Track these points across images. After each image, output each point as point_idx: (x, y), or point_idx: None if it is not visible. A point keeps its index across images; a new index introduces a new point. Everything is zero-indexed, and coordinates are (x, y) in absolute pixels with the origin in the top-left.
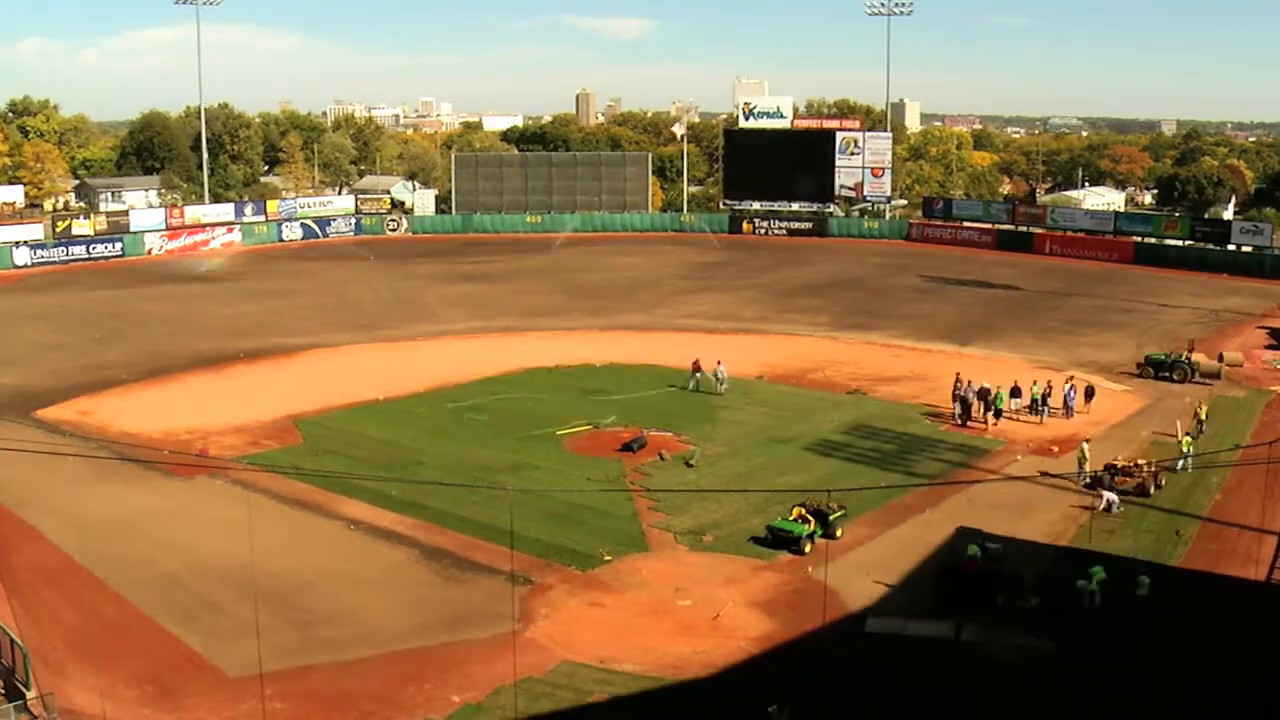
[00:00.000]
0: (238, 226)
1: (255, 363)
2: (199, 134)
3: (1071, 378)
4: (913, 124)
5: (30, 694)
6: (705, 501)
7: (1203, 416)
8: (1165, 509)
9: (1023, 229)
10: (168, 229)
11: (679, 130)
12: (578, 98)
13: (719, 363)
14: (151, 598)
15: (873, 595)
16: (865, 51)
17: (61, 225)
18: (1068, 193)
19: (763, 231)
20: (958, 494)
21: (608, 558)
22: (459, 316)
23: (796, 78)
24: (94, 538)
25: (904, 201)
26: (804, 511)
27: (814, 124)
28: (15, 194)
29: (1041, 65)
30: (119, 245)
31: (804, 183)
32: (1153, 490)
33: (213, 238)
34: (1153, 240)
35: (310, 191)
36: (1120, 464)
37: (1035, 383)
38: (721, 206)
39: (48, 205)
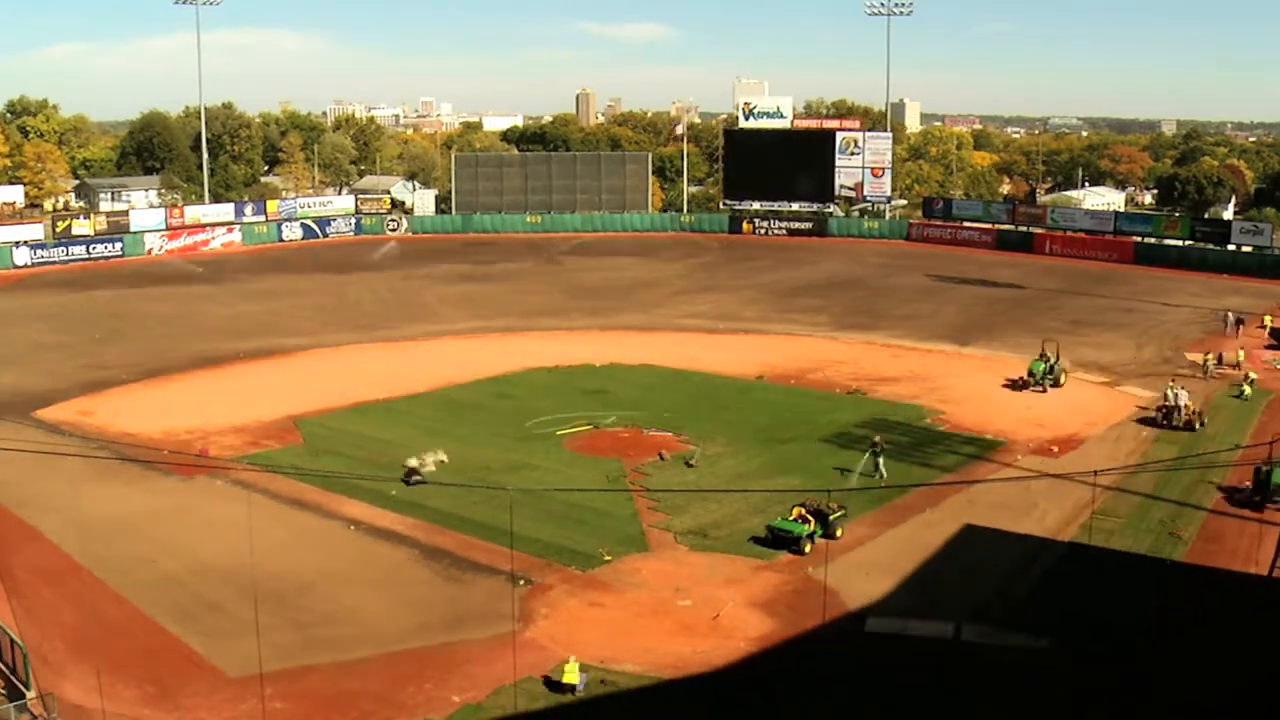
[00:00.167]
0: (238, 226)
1: (255, 363)
2: (199, 134)
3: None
4: (913, 124)
5: (30, 694)
6: (705, 501)
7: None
8: (1171, 496)
9: (1023, 229)
10: (168, 229)
11: (680, 130)
12: (578, 98)
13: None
14: (151, 598)
15: (873, 595)
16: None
17: (61, 225)
18: (1068, 193)
19: (763, 231)
20: (958, 494)
21: (608, 558)
22: (459, 316)
23: (796, 78)
24: (94, 538)
25: (904, 201)
26: (804, 511)
27: (814, 124)
28: (15, 194)
29: (1041, 65)
30: (119, 245)
31: (804, 183)
32: (1198, 426)
33: (213, 238)
34: (1153, 240)
35: (310, 191)
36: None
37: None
38: (721, 206)
39: (48, 205)
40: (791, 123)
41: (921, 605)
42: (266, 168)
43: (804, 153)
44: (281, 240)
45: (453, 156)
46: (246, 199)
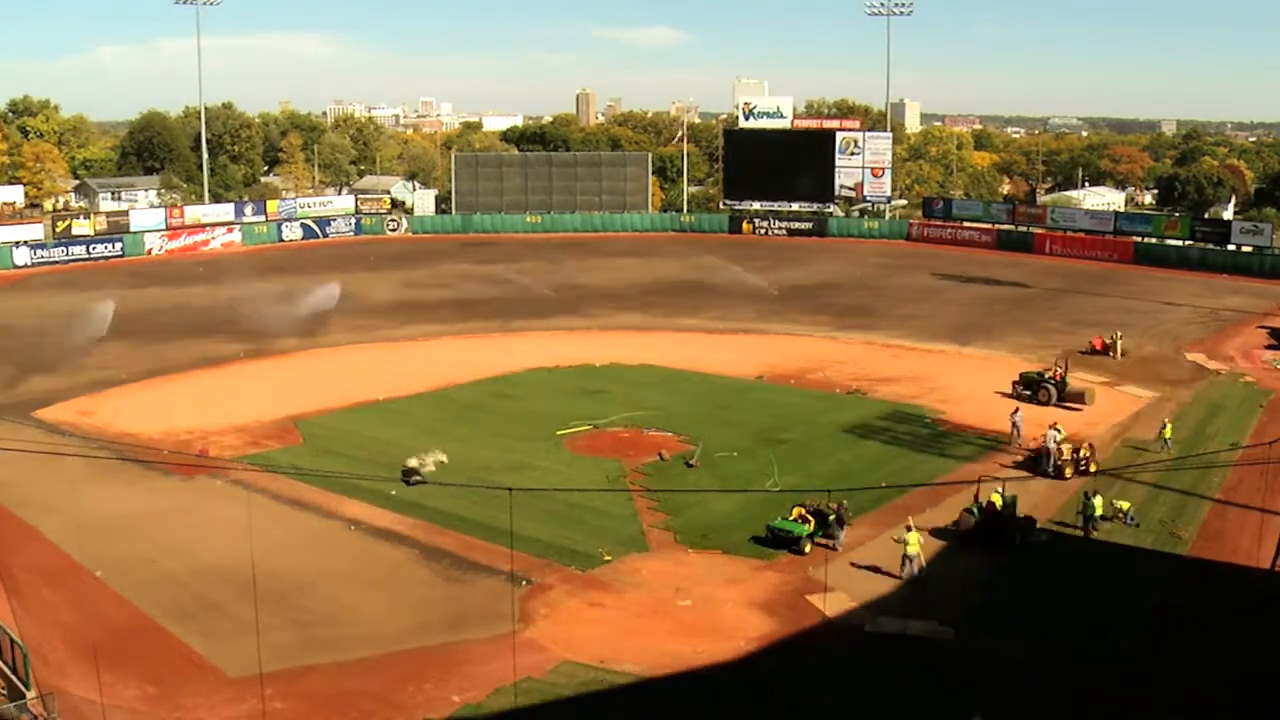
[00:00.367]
0: (238, 226)
1: (255, 362)
2: (199, 134)
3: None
4: (913, 124)
5: (30, 694)
6: (705, 501)
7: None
8: (1172, 496)
9: (1023, 229)
10: (168, 229)
11: (680, 134)
12: (578, 98)
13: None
14: (151, 598)
15: (873, 595)
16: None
17: (61, 225)
18: (1068, 193)
19: (763, 231)
20: (957, 494)
21: (608, 558)
22: (458, 317)
23: (796, 78)
24: (94, 538)
25: (904, 201)
26: (804, 511)
27: (814, 124)
28: (15, 194)
29: (1041, 65)
30: (119, 245)
31: (804, 183)
32: (1069, 475)
33: (213, 238)
34: (1153, 240)
35: (310, 191)
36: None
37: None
38: (721, 206)
39: (48, 205)
40: (791, 123)
41: (921, 605)
42: (266, 168)
43: (804, 153)
44: (281, 240)
45: (453, 156)
46: (246, 199)
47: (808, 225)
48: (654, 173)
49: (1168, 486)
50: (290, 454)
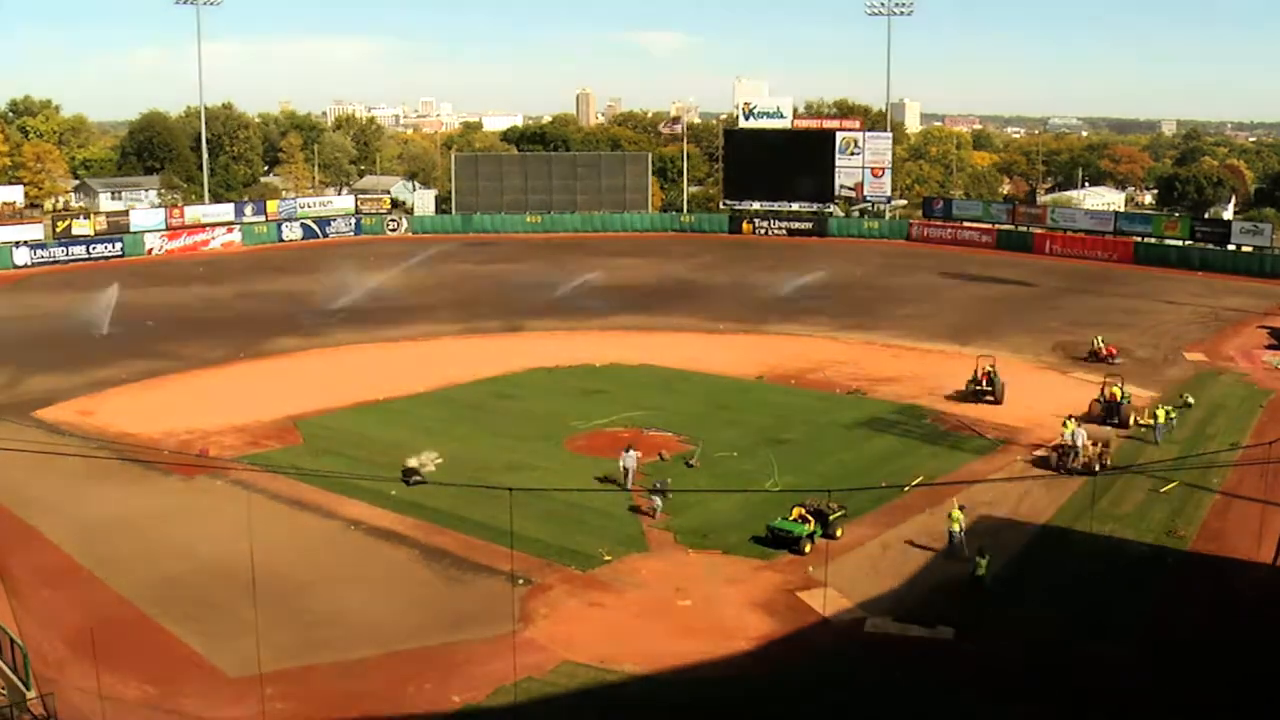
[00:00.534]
0: (238, 226)
1: (255, 362)
2: (199, 134)
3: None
4: (913, 124)
5: (30, 694)
6: (705, 501)
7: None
8: (1171, 497)
9: (1023, 229)
10: (168, 229)
11: (678, 129)
12: (578, 98)
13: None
14: (151, 598)
15: (873, 595)
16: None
17: (61, 225)
18: (1068, 193)
19: (763, 231)
20: (958, 494)
21: (608, 558)
22: (458, 316)
23: (796, 78)
24: (94, 538)
25: (904, 201)
26: (804, 511)
27: (814, 124)
28: (15, 194)
29: (1041, 65)
30: (119, 245)
31: (804, 183)
32: (1097, 469)
33: (213, 238)
34: (1153, 240)
35: (310, 191)
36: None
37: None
38: (721, 206)
39: (48, 205)
40: (791, 123)
41: (921, 605)
42: (266, 168)
43: (804, 153)
44: (281, 240)
45: (453, 156)
46: (246, 199)
47: (808, 225)
48: (654, 173)
49: (1166, 477)
50: (290, 454)
